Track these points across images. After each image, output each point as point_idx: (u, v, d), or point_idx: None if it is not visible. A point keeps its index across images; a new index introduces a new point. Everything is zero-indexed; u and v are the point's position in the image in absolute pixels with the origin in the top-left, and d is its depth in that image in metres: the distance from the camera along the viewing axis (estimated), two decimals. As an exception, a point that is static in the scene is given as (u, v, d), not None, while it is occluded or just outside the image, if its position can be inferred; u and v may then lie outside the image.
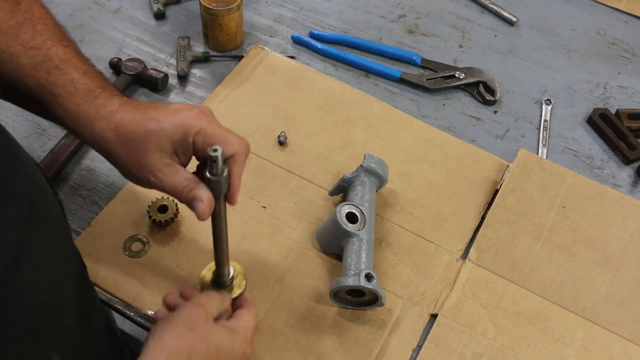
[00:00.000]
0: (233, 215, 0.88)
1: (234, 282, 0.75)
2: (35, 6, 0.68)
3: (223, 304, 0.70)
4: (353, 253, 0.81)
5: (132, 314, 0.81)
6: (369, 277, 0.77)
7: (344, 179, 0.88)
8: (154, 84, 1.03)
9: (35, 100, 0.67)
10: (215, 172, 0.61)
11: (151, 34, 1.13)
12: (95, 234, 0.86)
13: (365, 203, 0.85)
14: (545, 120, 1.06)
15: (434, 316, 0.83)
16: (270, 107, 1.01)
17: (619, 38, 1.20)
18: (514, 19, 1.20)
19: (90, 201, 0.91)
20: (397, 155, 0.97)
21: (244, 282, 0.75)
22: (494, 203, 0.93)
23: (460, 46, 1.16)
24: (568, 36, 1.19)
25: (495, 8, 1.21)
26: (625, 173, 1.01)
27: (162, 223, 0.86)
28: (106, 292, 0.81)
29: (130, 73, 1.03)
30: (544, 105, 1.08)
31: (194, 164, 0.70)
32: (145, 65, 1.05)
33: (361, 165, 0.87)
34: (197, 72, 1.08)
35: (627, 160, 1.02)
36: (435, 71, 1.11)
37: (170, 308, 0.72)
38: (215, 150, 0.59)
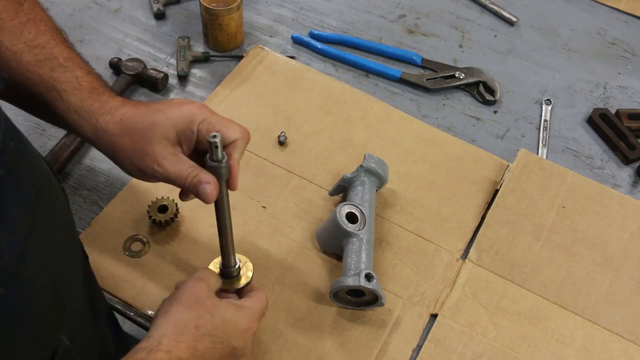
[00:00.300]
0: (233, 215, 0.88)
1: (241, 272, 0.76)
2: (37, 8, 0.70)
3: (219, 279, 0.73)
4: (353, 253, 0.81)
5: (132, 314, 0.81)
6: (369, 277, 0.77)
7: (344, 179, 0.88)
8: (154, 84, 1.03)
9: (35, 98, 0.67)
10: (215, 158, 0.63)
11: (151, 34, 1.13)
12: (95, 234, 0.86)
13: (365, 203, 0.85)
14: (545, 120, 1.06)
15: (434, 316, 0.83)
16: (270, 107, 1.01)
17: (619, 38, 1.20)
18: (514, 19, 1.20)
19: (90, 201, 0.91)
20: (397, 155, 0.97)
21: (251, 273, 0.77)
22: (494, 203, 0.93)
23: (460, 46, 1.16)
24: (568, 36, 1.19)
25: (495, 8, 1.21)
26: (625, 173, 1.01)
27: (162, 223, 0.86)
28: (106, 292, 0.81)
29: (130, 73, 1.03)
30: (544, 105, 1.08)
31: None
32: (145, 65, 1.05)
33: (361, 165, 0.87)
34: (197, 72, 1.08)
35: (627, 160, 1.02)
36: (435, 71, 1.11)
37: None
38: (214, 137, 0.61)
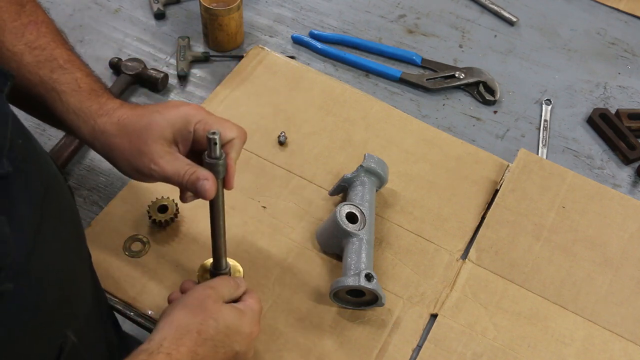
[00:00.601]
0: (233, 215, 0.88)
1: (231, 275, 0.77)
2: (39, 10, 0.71)
3: (237, 289, 0.72)
4: (353, 253, 0.81)
5: (132, 314, 0.81)
6: (369, 277, 0.77)
7: (344, 179, 0.88)
8: (154, 84, 1.03)
9: (34, 99, 0.68)
10: (214, 155, 0.64)
11: (151, 34, 1.13)
12: (95, 234, 0.86)
13: (365, 203, 0.85)
14: (545, 120, 1.06)
15: (434, 316, 0.83)
16: (270, 107, 1.02)
17: (619, 38, 1.20)
18: (514, 19, 1.20)
19: (90, 201, 0.91)
20: (397, 155, 0.97)
21: (241, 275, 0.78)
22: (494, 203, 0.93)
23: (460, 46, 1.16)
24: (568, 36, 1.19)
25: (495, 8, 1.21)
26: (625, 173, 1.01)
27: (162, 223, 0.86)
28: (106, 292, 0.81)
29: (130, 73, 1.03)
30: (544, 105, 1.08)
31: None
32: (145, 65, 1.05)
33: (361, 165, 0.87)
34: (197, 72, 1.08)
35: (627, 160, 1.02)
36: (435, 71, 1.11)
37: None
38: (213, 133, 0.62)
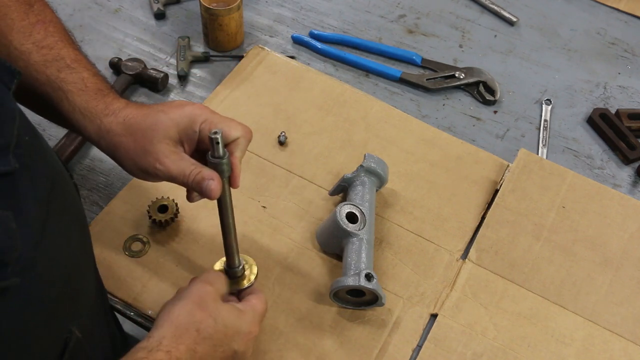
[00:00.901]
0: (233, 215, 0.88)
1: (245, 273, 0.77)
2: (47, 10, 0.71)
3: (228, 284, 0.73)
4: (353, 253, 0.81)
5: (132, 314, 0.81)
6: (369, 277, 0.77)
7: (344, 179, 0.88)
8: (154, 84, 1.04)
9: (41, 97, 0.68)
10: (217, 155, 0.64)
11: (151, 34, 1.13)
12: (95, 234, 0.86)
13: (365, 203, 0.85)
14: (545, 120, 1.06)
15: (434, 316, 0.83)
16: (270, 107, 1.02)
17: (619, 38, 1.20)
18: (514, 19, 1.20)
19: (90, 201, 0.91)
20: (397, 155, 0.97)
21: (254, 276, 0.77)
22: (494, 203, 0.93)
23: (460, 46, 1.16)
24: (568, 36, 1.19)
25: (495, 8, 1.21)
26: (625, 173, 1.01)
27: (162, 223, 0.86)
28: (106, 292, 0.81)
29: (130, 73, 1.03)
30: (544, 105, 1.08)
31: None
32: (145, 65, 1.05)
33: (361, 165, 0.87)
34: (197, 72, 1.08)
35: (627, 160, 1.02)
36: (435, 71, 1.11)
37: None
38: (215, 133, 0.62)
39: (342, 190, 0.90)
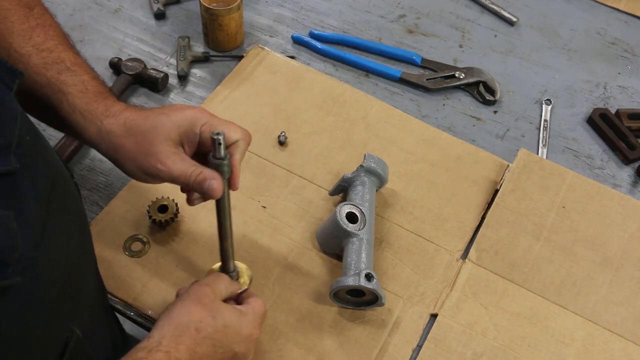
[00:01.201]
0: (233, 215, 0.88)
1: (240, 280, 0.77)
2: (47, 14, 0.72)
3: (231, 286, 0.73)
4: (353, 253, 0.81)
5: (132, 314, 0.81)
6: (369, 277, 0.77)
7: (344, 179, 0.88)
8: (154, 84, 1.04)
9: (40, 100, 0.68)
10: (218, 155, 0.65)
11: (151, 34, 1.13)
12: (95, 234, 0.86)
13: (365, 203, 0.85)
14: (545, 120, 1.06)
15: (434, 316, 0.83)
16: (270, 107, 1.02)
17: (619, 38, 1.20)
18: (514, 19, 1.20)
19: (90, 201, 0.91)
20: (397, 155, 0.97)
21: (249, 280, 0.78)
22: (494, 203, 0.93)
23: (460, 46, 1.16)
24: (568, 36, 1.19)
25: (495, 8, 1.21)
26: (625, 173, 1.01)
27: (162, 223, 0.86)
28: (106, 291, 0.81)
29: (130, 73, 1.03)
30: (544, 105, 1.08)
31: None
32: (145, 65, 1.05)
33: (361, 165, 0.87)
34: (197, 72, 1.08)
35: (627, 160, 1.02)
36: (435, 71, 1.11)
37: None
38: (217, 134, 0.63)
39: (342, 190, 0.90)
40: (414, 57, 1.11)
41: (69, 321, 0.58)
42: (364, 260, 0.80)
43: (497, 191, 0.95)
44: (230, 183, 0.68)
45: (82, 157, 0.95)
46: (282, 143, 0.97)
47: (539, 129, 1.05)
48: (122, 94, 1.02)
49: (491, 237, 0.90)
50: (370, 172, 0.88)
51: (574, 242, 0.90)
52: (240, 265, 0.78)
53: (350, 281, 0.77)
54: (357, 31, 1.16)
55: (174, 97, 1.05)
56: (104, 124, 0.68)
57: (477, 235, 0.90)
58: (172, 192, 0.88)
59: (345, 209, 0.83)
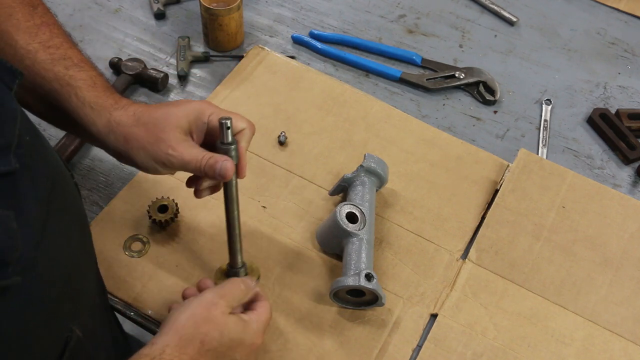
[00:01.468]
0: (233, 215, 0.88)
1: (247, 274, 0.78)
2: (49, 13, 0.73)
3: (247, 294, 0.72)
4: (353, 253, 0.81)
5: (132, 314, 0.81)
6: (369, 277, 0.77)
7: (344, 179, 0.88)
8: (154, 84, 1.04)
9: (47, 95, 0.69)
10: (226, 140, 0.68)
11: (151, 34, 1.13)
12: (95, 234, 0.85)
13: (365, 203, 0.85)
14: (545, 120, 1.06)
15: (434, 316, 0.83)
16: (270, 107, 1.02)
17: (619, 38, 1.20)
18: (514, 19, 1.20)
19: (90, 201, 0.91)
20: (397, 155, 0.97)
21: (257, 277, 0.78)
22: (494, 203, 0.93)
23: (460, 46, 1.16)
24: (568, 36, 1.19)
25: (495, 8, 1.21)
26: (625, 173, 1.01)
27: (162, 223, 0.86)
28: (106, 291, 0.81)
29: (130, 73, 1.03)
30: (544, 105, 1.08)
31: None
32: (145, 65, 1.05)
33: (361, 165, 0.87)
34: (197, 72, 1.08)
35: (627, 160, 1.02)
36: (435, 71, 1.11)
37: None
38: (226, 119, 0.67)
39: (342, 190, 0.90)
40: (414, 57, 1.11)
41: (69, 321, 0.58)
42: (364, 260, 0.80)
43: (497, 191, 0.95)
44: (237, 171, 0.70)
45: (82, 157, 0.95)
46: (282, 143, 0.97)
47: (539, 129, 1.05)
48: (122, 94, 1.01)
49: (491, 237, 0.90)
50: (370, 172, 0.88)
51: (574, 242, 0.90)
52: (251, 264, 0.79)
53: (350, 281, 0.77)
54: (357, 31, 1.16)
55: (174, 97, 1.05)
56: (114, 115, 0.69)
57: (477, 235, 0.90)
58: (172, 192, 0.88)
59: (345, 209, 0.83)
